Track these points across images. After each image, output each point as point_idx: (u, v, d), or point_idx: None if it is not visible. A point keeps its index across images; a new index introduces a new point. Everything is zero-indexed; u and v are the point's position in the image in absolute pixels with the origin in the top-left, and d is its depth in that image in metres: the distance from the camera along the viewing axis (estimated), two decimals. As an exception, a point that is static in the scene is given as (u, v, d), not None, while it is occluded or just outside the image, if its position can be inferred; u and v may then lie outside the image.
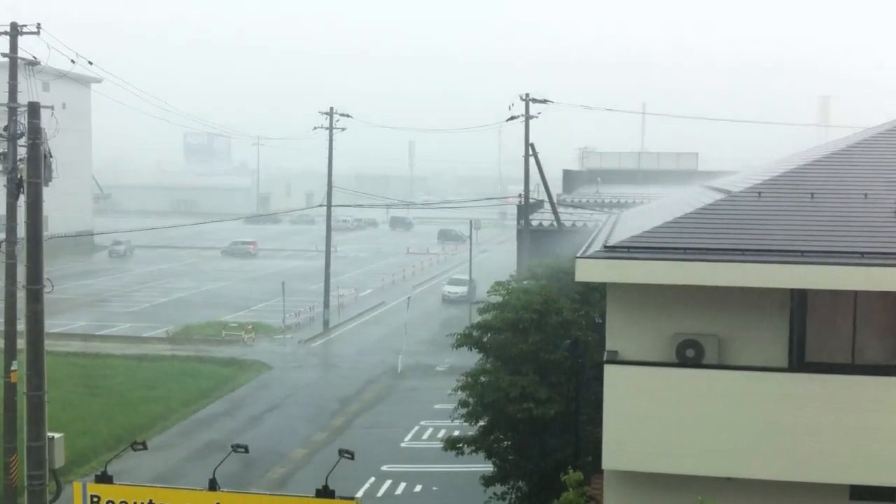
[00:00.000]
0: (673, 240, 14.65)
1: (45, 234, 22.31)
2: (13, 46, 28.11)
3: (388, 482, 30.34)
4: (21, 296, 22.86)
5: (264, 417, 38.30)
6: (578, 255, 14.87)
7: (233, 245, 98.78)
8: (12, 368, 25.62)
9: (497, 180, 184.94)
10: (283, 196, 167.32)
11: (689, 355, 14.53)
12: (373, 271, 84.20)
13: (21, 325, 22.92)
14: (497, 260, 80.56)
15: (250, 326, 53.91)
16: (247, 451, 18.13)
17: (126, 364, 45.47)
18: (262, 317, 58.90)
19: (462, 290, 66.91)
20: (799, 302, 14.47)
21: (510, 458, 23.26)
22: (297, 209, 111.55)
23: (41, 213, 21.23)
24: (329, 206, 60.70)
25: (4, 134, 25.29)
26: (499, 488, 23.68)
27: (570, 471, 16.25)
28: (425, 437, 35.27)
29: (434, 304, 66.71)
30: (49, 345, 23.58)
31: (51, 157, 22.27)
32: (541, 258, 32.81)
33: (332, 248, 63.53)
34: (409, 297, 57.80)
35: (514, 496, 23.27)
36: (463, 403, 23.69)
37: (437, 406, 37.86)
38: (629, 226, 18.44)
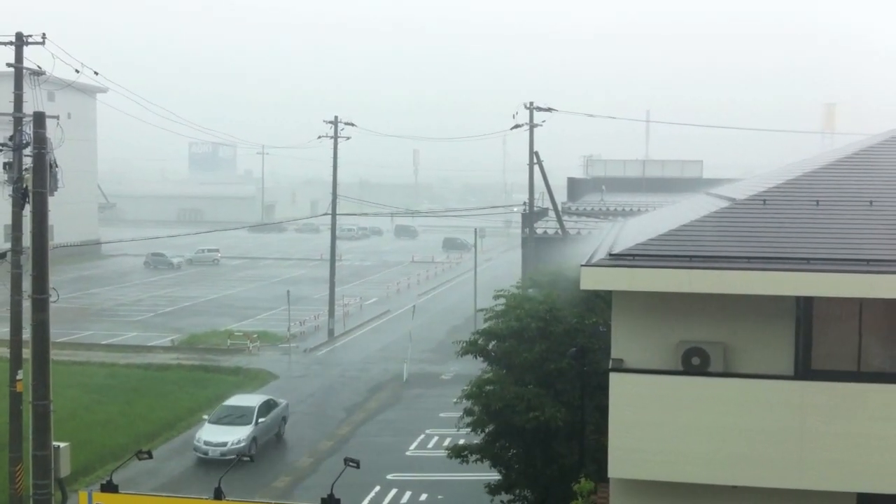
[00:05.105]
0: (678, 248, 14.62)
1: (51, 243, 22.35)
2: (18, 56, 28.18)
3: (394, 491, 30.29)
4: (26, 305, 22.89)
5: (269, 426, 38.23)
6: (583, 262, 14.84)
7: (199, 253, 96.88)
8: (18, 378, 25.64)
9: (502, 188, 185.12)
10: (288, 205, 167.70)
11: (694, 363, 14.49)
12: (378, 280, 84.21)
13: (26, 334, 22.95)
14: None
15: (255, 335, 53.96)
16: (252, 459, 18.20)
17: (131, 373, 45.49)
18: (267, 325, 58.94)
19: (237, 437, 32.90)
20: (804, 309, 14.44)
21: (516, 466, 23.22)
22: (301, 218, 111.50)
23: (47, 222, 21.27)
24: (334, 214, 60.73)
25: (9, 144, 25.33)
26: (504, 497, 23.65)
27: (582, 480, 16.27)
28: (431, 445, 35.22)
29: (440, 312, 66.51)
30: (54, 354, 23.58)
31: (56, 166, 22.37)
32: (545, 266, 32.80)
33: (336, 257, 63.51)
34: (414, 306, 57.79)
35: (519, 504, 23.24)
36: (468, 412, 23.68)
37: (442, 414, 37.81)
38: (634, 233, 18.41)
